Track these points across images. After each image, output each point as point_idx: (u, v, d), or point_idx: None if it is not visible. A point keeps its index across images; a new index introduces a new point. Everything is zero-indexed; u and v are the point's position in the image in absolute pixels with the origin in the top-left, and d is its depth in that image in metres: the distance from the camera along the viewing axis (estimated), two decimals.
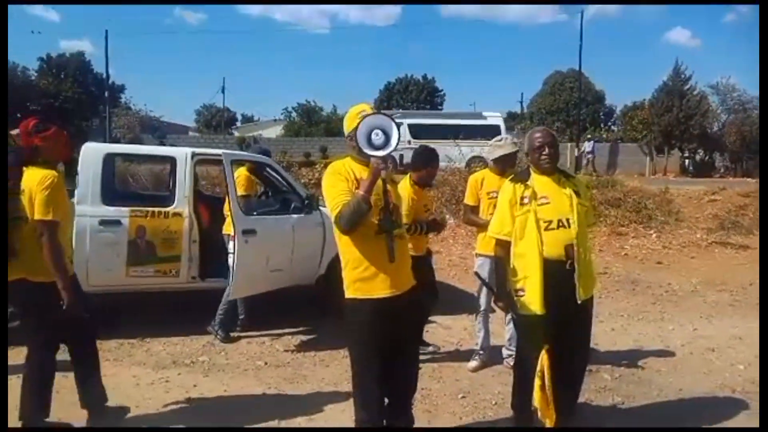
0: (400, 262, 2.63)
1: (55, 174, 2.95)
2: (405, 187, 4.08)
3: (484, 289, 4.24)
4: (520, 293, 3.04)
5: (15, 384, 3.26)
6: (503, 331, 4.40)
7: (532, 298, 2.98)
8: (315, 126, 39.39)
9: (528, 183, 3.10)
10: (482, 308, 4.32)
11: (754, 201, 12.62)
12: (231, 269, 4.60)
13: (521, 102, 46.98)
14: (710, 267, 8.41)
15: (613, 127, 38.81)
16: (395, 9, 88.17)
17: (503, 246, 3.12)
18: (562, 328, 3.01)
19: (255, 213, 4.99)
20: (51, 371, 3.08)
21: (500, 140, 4.28)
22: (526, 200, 3.05)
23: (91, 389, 3.22)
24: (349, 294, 2.64)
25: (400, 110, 19.52)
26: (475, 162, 17.95)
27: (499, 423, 3.45)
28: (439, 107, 46.72)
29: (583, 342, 3.24)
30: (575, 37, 29.77)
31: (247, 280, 4.63)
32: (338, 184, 2.60)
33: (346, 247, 2.64)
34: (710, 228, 11.07)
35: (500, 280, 3.22)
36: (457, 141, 18.48)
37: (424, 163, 4.18)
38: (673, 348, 4.89)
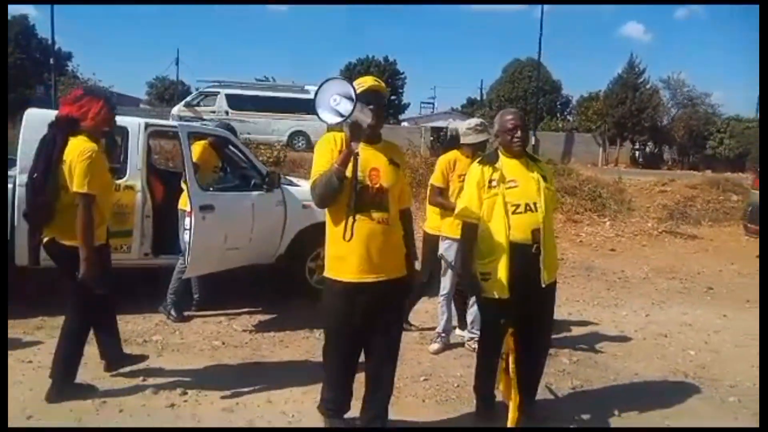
0: (376, 248, 2.46)
1: (94, 147, 3.04)
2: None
3: (449, 272, 4.21)
4: (486, 276, 3.01)
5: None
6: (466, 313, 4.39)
7: (498, 281, 2.96)
8: None
9: (496, 166, 3.05)
10: (446, 291, 4.29)
11: (701, 193, 13.15)
12: (186, 246, 4.40)
13: (481, 88, 47.41)
14: (661, 255, 8.69)
15: (568, 116, 39.70)
16: None
17: (470, 229, 3.08)
18: (526, 311, 3.02)
19: (211, 189, 4.77)
20: (86, 331, 3.27)
21: (480, 125, 4.19)
22: (494, 183, 3.01)
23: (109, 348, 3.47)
24: (324, 271, 2.57)
25: (218, 80, 19.11)
26: (297, 137, 17.79)
27: (461, 406, 3.43)
28: (400, 90, 46.60)
29: (546, 325, 3.26)
30: (534, 27, 30.17)
31: (202, 258, 4.44)
32: (324, 154, 2.50)
33: (328, 222, 2.56)
34: (660, 218, 11.46)
35: (465, 263, 3.18)
36: (280, 114, 18.00)
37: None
38: (627, 333, 5.00)
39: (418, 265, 2.91)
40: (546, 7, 28.31)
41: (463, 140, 4.19)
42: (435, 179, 4.24)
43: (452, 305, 4.36)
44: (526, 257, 2.96)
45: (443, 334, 4.33)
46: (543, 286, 3.00)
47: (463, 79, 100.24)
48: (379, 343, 2.62)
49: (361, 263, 2.46)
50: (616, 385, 3.90)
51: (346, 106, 2.22)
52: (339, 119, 2.25)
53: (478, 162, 3.13)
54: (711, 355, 4.57)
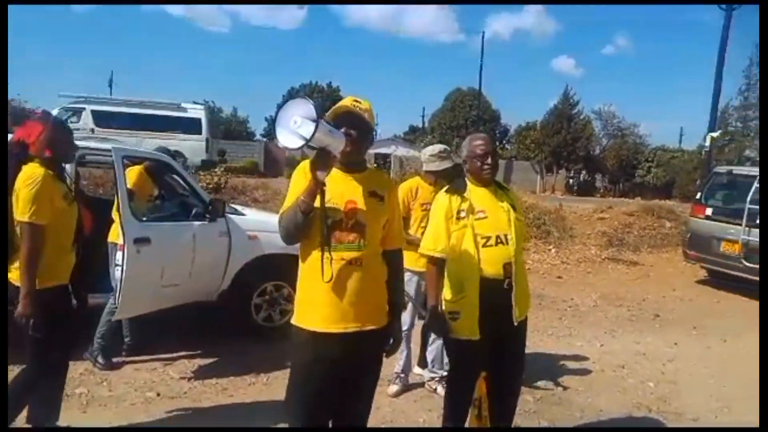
0: (348, 293, 2.13)
1: (41, 173, 2.72)
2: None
3: (409, 307, 3.97)
4: (455, 316, 2.78)
5: None
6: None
7: (468, 321, 2.73)
8: (214, 128, 37.66)
9: (465, 195, 2.83)
10: (405, 327, 4.01)
11: (638, 220, 13.60)
12: (117, 284, 3.96)
13: (423, 116, 48.22)
14: (606, 282, 8.79)
15: (507, 145, 40.90)
16: (300, 13, 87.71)
17: (437, 264, 2.84)
18: (497, 351, 2.80)
19: (144, 219, 4.33)
20: (61, 372, 2.98)
21: (443, 152, 4.01)
22: (462, 214, 2.78)
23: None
24: (293, 317, 2.26)
25: (84, 95, 18.03)
26: (177, 158, 17.18)
27: None
28: None
29: (519, 365, 3.03)
30: (473, 57, 31.10)
31: (136, 297, 4.01)
32: (297, 184, 2.17)
33: (299, 261, 2.24)
34: (601, 244, 11.71)
35: (433, 301, 2.91)
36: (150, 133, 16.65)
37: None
38: (585, 365, 4.90)
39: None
40: (485, 38, 29.24)
41: (425, 168, 4.00)
42: None
43: (411, 343, 4.11)
44: (498, 293, 2.75)
45: (402, 375, 4.06)
46: (515, 323, 2.80)
47: (406, 107, 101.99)
48: (348, 406, 2.29)
49: (328, 310, 2.13)
50: (584, 423, 3.75)
51: (308, 129, 1.92)
52: (300, 143, 1.94)
53: (445, 191, 2.91)
54: (669, 386, 4.52)
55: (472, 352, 2.76)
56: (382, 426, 3.49)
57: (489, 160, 2.81)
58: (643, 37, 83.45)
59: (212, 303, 4.81)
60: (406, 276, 3.90)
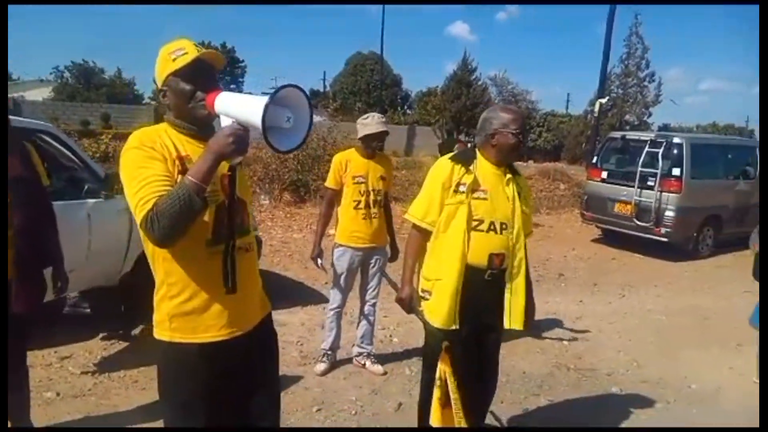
0: (244, 288, 1.73)
1: None
2: None
3: (341, 283, 3.81)
4: (426, 295, 2.57)
5: None
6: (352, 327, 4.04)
7: (438, 307, 2.50)
8: (95, 90, 34.46)
9: (470, 168, 2.52)
10: (335, 304, 3.87)
11: (535, 183, 14.29)
12: None
13: (324, 80, 47.19)
14: None
15: (408, 110, 41.22)
16: None
17: (421, 234, 2.59)
18: (475, 346, 2.60)
19: None
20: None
21: (366, 118, 3.79)
22: (462, 188, 2.48)
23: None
24: (161, 334, 1.70)
25: None
26: None
27: None
28: (240, 80, 44.67)
29: (496, 349, 2.78)
30: (371, 21, 30.71)
31: None
32: (149, 164, 1.60)
33: (159, 264, 1.70)
34: None
35: (407, 273, 2.64)
36: None
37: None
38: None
39: None
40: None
41: (359, 134, 3.76)
42: (328, 181, 3.77)
43: (341, 320, 3.96)
44: (478, 285, 2.49)
45: (330, 352, 3.92)
46: (504, 325, 2.56)
47: (306, 70, 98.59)
48: (256, 410, 1.86)
49: (231, 312, 1.72)
50: (510, 386, 3.82)
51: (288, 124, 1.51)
52: (290, 147, 1.55)
53: (450, 158, 2.57)
54: (582, 343, 4.77)
55: (442, 338, 2.49)
56: (315, 410, 3.35)
57: (522, 140, 2.51)
58: (532, 5, 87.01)
59: (113, 288, 4.36)
60: (339, 251, 3.78)
